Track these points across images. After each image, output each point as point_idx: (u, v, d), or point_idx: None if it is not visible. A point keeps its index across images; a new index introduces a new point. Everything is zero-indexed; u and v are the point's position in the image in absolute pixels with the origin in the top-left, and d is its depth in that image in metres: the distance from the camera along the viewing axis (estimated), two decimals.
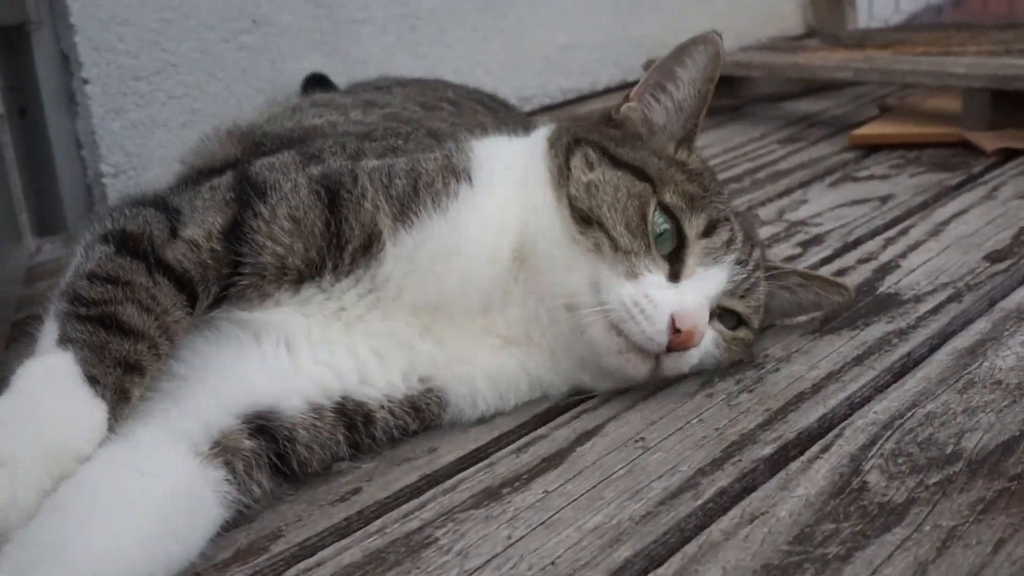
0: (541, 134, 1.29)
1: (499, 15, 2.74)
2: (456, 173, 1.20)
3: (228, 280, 1.10)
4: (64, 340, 1.00)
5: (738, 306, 1.23)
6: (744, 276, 1.21)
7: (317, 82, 2.28)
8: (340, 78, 2.37)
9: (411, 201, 1.16)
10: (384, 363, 1.15)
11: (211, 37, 2.18)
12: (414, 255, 1.15)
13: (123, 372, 0.99)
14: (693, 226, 1.18)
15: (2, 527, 0.89)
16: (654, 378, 1.18)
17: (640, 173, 1.20)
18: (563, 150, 1.23)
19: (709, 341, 1.20)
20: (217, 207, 1.12)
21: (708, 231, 1.19)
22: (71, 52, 2.00)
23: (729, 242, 1.20)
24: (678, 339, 1.13)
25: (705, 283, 1.18)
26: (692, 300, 1.15)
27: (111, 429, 0.97)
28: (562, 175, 1.21)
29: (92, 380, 0.97)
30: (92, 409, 0.96)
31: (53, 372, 0.98)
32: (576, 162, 1.22)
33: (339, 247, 1.13)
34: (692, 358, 1.19)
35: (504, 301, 1.19)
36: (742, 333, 1.24)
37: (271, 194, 1.13)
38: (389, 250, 1.14)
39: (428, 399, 1.16)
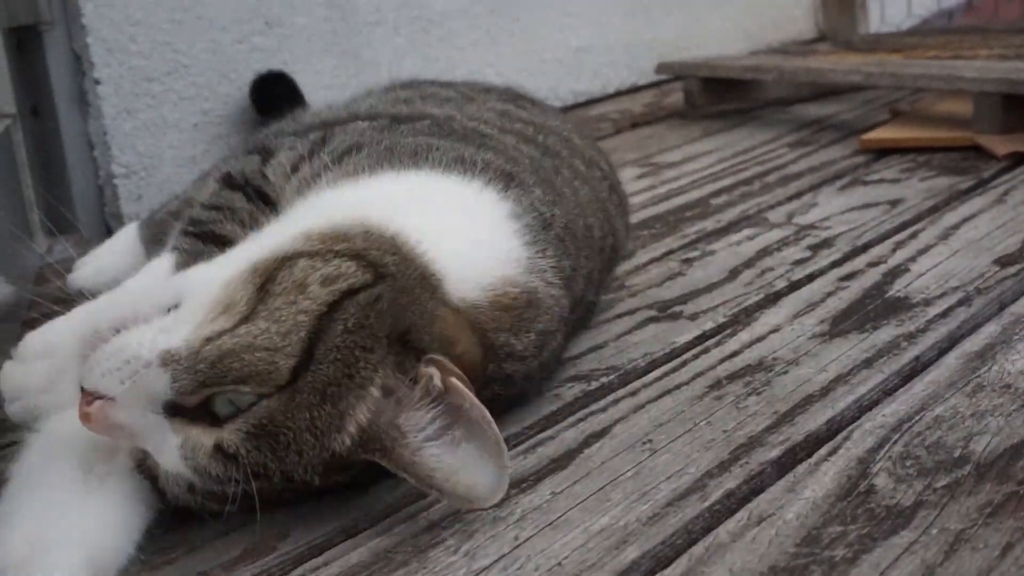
0: None
1: (511, 18, 2.75)
2: None
3: None
4: (172, 248, 1.20)
5: None
6: None
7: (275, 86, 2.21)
8: (352, 80, 2.38)
9: None
10: None
11: (224, 38, 2.19)
12: None
13: None
14: None
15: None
16: None
17: None
18: None
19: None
20: (296, 151, 1.26)
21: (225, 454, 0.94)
22: (83, 52, 2.01)
23: None
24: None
25: None
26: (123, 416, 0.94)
27: None
28: None
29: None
30: None
31: (153, 267, 1.19)
32: None
33: None
34: None
35: None
36: None
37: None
38: None
39: None
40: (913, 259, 1.58)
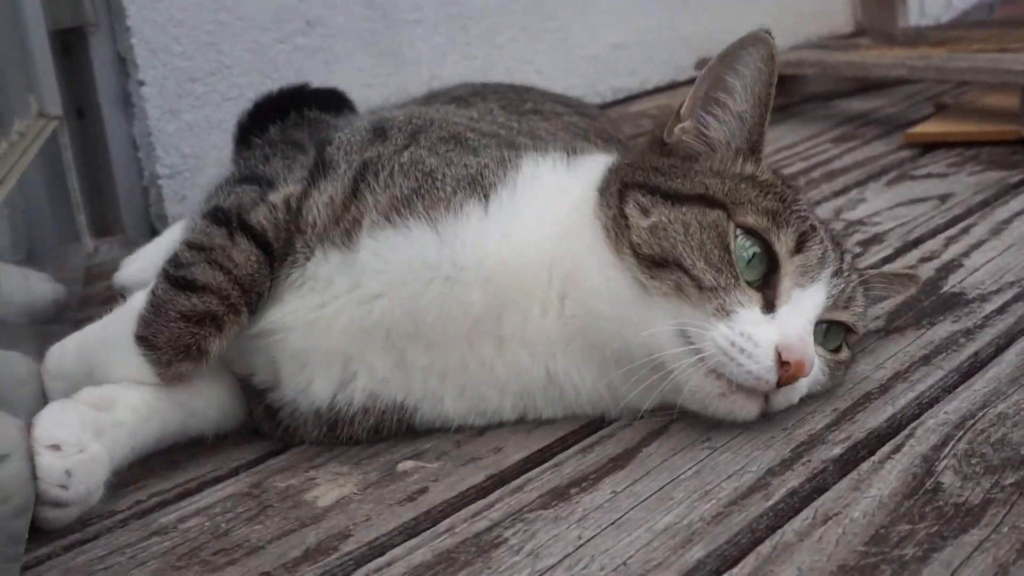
0: (590, 181, 1.19)
1: (549, 15, 2.74)
2: (477, 188, 1.14)
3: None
4: (150, 291, 1.17)
5: (843, 316, 1.16)
6: (843, 287, 1.14)
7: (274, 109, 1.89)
8: (391, 78, 2.38)
9: (407, 201, 1.13)
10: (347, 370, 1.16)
11: (265, 39, 2.19)
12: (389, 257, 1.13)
13: (188, 325, 1.12)
14: (783, 244, 1.09)
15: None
16: (764, 414, 1.11)
17: (708, 200, 1.11)
18: (615, 199, 1.13)
19: (816, 367, 1.11)
20: (296, 179, 1.22)
21: (799, 246, 1.10)
22: (128, 54, 2.02)
23: (823, 255, 1.11)
24: (787, 373, 1.05)
25: (804, 307, 1.09)
26: (795, 329, 1.06)
27: (161, 380, 1.14)
28: (618, 225, 1.11)
29: (141, 340, 1.14)
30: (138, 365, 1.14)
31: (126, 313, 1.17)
32: (631, 210, 1.12)
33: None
34: (802, 388, 1.11)
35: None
36: (844, 354, 1.18)
37: (329, 172, 1.19)
38: (365, 240, 1.13)
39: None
40: (966, 254, 1.57)
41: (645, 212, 1.11)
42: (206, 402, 1.19)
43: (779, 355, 1.04)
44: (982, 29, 2.96)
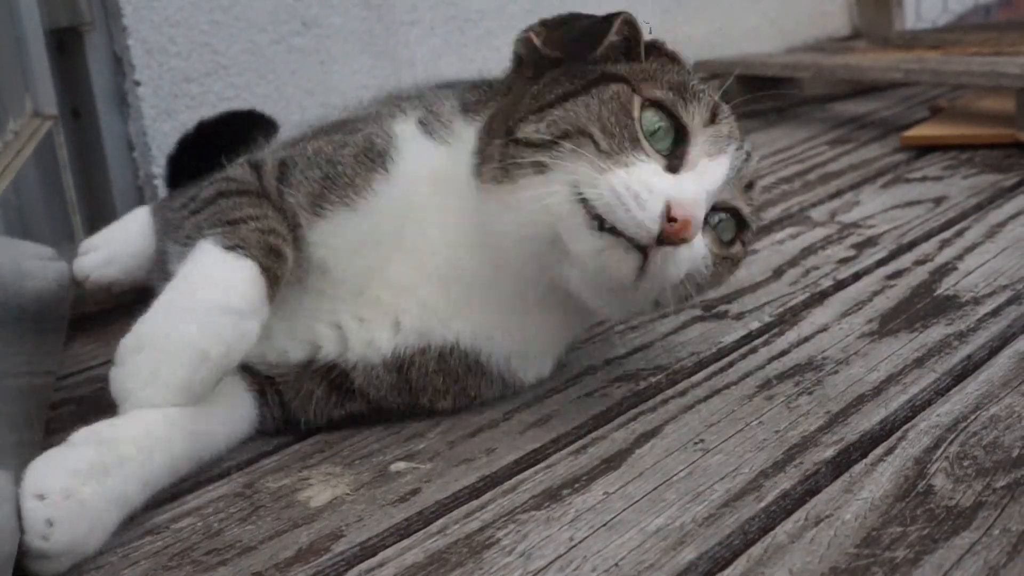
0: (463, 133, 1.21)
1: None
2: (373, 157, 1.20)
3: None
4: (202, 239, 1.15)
5: (740, 202, 1.15)
6: (744, 159, 1.12)
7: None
8: (388, 80, 2.37)
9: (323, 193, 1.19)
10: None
11: (261, 39, 2.19)
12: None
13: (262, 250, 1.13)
14: (693, 115, 1.09)
15: None
16: (643, 291, 1.09)
17: (608, 77, 1.10)
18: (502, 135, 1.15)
19: (700, 249, 1.10)
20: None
21: (713, 117, 1.10)
22: (124, 54, 2.02)
23: (731, 130, 1.11)
24: (671, 228, 1.02)
25: (706, 175, 1.08)
26: (691, 190, 1.05)
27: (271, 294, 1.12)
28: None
29: (233, 248, 1.12)
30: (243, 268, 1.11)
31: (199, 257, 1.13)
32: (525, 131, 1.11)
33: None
34: (682, 262, 1.08)
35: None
36: (736, 249, 1.17)
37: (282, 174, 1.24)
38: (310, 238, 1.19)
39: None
40: (960, 257, 1.57)
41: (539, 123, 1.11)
42: (212, 423, 1.14)
43: (668, 209, 1.03)
44: (978, 32, 2.97)
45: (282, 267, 1.14)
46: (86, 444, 1.02)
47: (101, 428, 1.05)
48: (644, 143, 1.08)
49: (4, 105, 1.54)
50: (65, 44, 2.00)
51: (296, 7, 2.24)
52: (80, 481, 0.97)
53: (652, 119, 1.09)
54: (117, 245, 1.70)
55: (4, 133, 1.50)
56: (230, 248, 1.12)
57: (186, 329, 1.06)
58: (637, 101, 1.09)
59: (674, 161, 1.09)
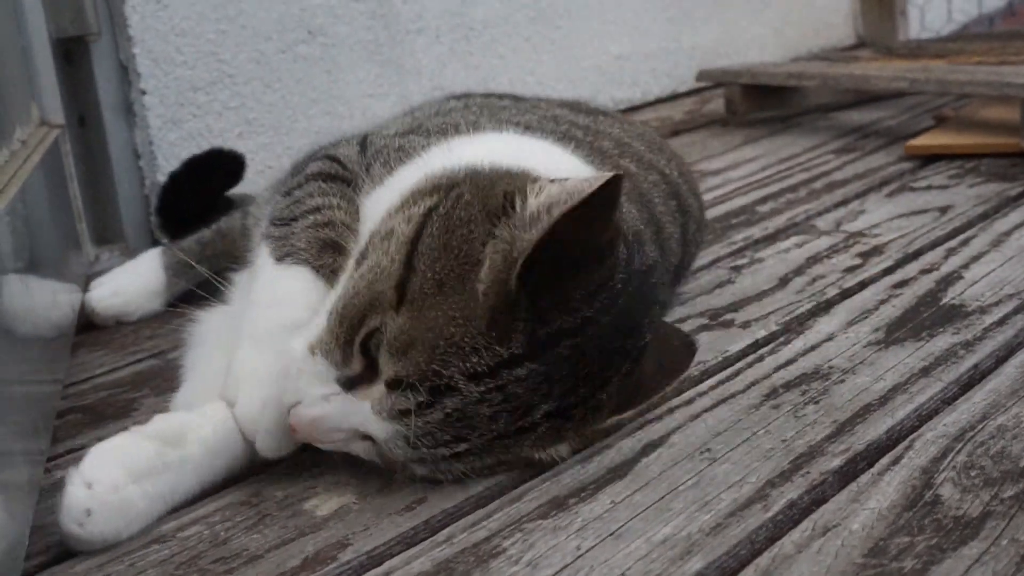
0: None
1: (551, 25, 2.74)
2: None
3: None
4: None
5: None
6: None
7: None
8: (394, 88, 2.38)
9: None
10: None
11: (267, 48, 2.20)
12: None
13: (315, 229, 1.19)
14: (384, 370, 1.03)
15: None
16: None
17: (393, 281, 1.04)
18: None
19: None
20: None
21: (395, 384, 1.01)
22: (130, 63, 2.02)
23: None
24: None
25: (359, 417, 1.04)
26: (315, 409, 1.05)
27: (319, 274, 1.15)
28: None
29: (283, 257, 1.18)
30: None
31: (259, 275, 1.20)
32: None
33: None
34: None
35: None
36: None
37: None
38: None
39: None
40: (966, 266, 1.57)
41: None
42: None
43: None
44: (982, 42, 2.97)
45: (338, 259, 1.16)
46: (155, 439, 1.08)
47: (178, 421, 1.11)
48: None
49: (11, 114, 1.55)
50: (71, 53, 2.01)
51: (302, 16, 2.25)
52: (132, 479, 1.03)
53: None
54: (124, 278, 1.73)
55: (11, 142, 1.50)
56: (280, 259, 1.17)
57: (265, 359, 1.12)
58: (376, 319, 1.09)
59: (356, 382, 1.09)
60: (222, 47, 2.13)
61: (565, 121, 1.48)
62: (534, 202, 1.02)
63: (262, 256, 1.21)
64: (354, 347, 1.03)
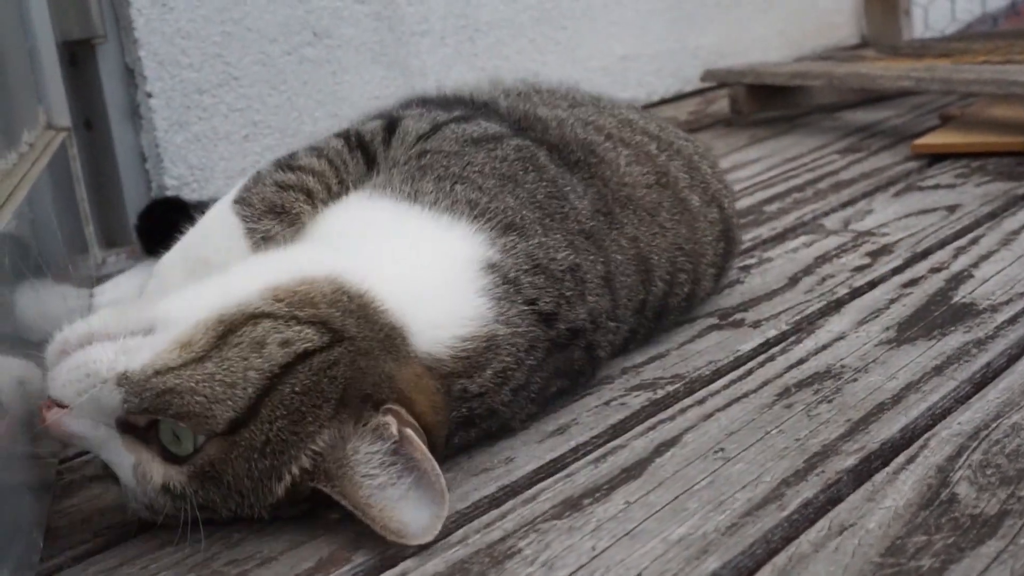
0: None
1: (557, 26, 2.74)
2: None
3: None
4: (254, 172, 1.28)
5: None
6: None
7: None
8: (399, 90, 2.38)
9: None
10: None
11: (273, 50, 2.20)
12: None
13: (280, 191, 1.23)
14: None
15: None
16: None
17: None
18: None
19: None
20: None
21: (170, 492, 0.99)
22: (136, 66, 2.02)
23: None
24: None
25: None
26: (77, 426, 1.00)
27: (250, 238, 1.19)
28: None
29: (237, 201, 1.24)
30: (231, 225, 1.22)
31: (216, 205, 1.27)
32: None
33: None
34: None
35: None
36: None
37: None
38: None
39: None
40: (976, 265, 1.57)
41: None
42: None
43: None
44: (986, 41, 2.96)
45: (277, 227, 1.19)
46: None
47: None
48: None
49: (18, 117, 1.55)
50: (77, 56, 2.01)
51: (307, 18, 2.25)
52: None
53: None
54: (127, 284, 1.74)
55: (19, 145, 1.50)
56: (236, 201, 1.23)
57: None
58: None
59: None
60: (227, 49, 2.13)
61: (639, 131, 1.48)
62: (393, 432, 0.99)
63: (225, 198, 1.26)
64: (154, 417, 0.98)
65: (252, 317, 0.99)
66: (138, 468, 0.99)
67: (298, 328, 0.99)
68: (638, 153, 1.42)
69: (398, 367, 1.03)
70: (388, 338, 1.04)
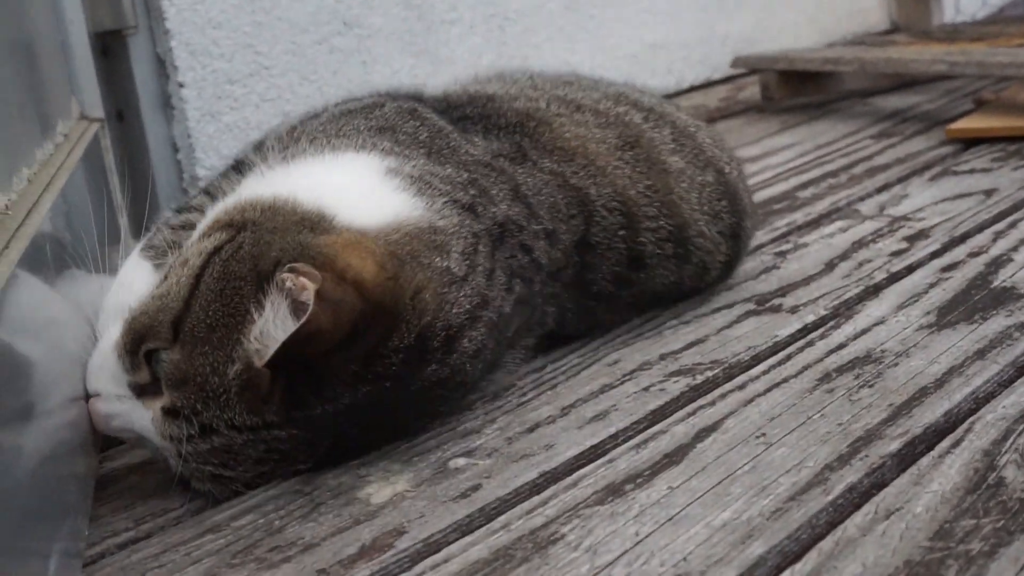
0: None
1: (586, 15, 2.73)
2: None
3: None
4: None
5: None
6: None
7: None
8: (429, 79, 2.37)
9: None
10: None
11: (304, 40, 2.20)
12: None
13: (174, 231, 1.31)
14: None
15: None
16: None
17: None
18: None
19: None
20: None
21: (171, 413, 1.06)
22: (167, 56, 2.02)
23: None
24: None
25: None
26: (107, 406, 1.10)
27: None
28: None
29: (143, 250, 1.32)
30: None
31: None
32: None
33: None
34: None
35: None
36: None
37: None
38: None
39: None
40: (1015, 248, 1.55)
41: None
42: None
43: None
44: (1019, 24, 2.94)
45: None
46: None
47: None
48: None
49: (53, 108, 1.55)
50: (109, 47, 2.01)
51: (337, 8, 2.25)
52: None
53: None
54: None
55: (54, 135, 1.50)
56: (142, 249, 1.31)
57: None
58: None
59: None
60: (258, 39, 2.13)
61: (626, 101, 1.50)
62: (290, 285, 1.03)
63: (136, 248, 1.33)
64: (139, 358, 1.07)
65: (183, 254, 1.13)
66: (155, 418, 1.06)
67: (212, 237, 1.11)
68: (609, 120, 1.45)
69: (315, 236, 1.09)
70: (304, 219, 1.11)
